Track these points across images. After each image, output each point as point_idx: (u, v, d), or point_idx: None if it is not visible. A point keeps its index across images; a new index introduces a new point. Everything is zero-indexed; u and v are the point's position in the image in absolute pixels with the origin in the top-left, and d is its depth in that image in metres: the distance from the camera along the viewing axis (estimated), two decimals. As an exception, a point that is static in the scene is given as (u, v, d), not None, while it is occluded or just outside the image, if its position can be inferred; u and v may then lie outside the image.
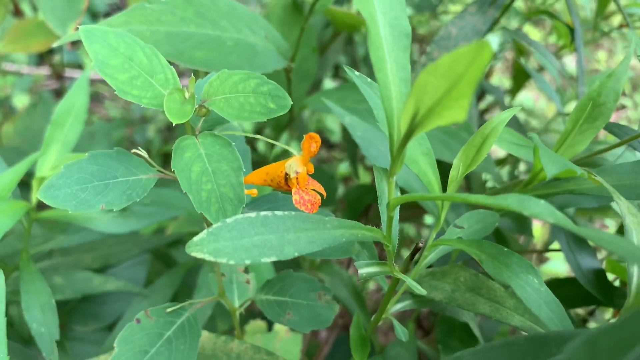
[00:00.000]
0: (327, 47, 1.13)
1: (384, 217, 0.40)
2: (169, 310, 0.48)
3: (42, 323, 0.62)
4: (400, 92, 0.34)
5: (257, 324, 0.77)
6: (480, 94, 1.20)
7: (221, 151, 0.39)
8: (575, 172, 0.41)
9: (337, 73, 1.62)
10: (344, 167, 1.71)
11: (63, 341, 0.83)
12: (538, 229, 1.22)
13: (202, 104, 0.40)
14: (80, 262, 0.84)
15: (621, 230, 0.76)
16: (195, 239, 0.33)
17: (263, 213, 0.34)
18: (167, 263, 0.95)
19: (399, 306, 0.51)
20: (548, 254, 1.36)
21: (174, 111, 0.37)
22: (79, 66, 1.82)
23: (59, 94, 1.63)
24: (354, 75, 0.42)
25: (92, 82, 1.86)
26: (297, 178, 0.38)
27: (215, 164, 0.39)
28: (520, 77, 0.99)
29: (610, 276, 0.67)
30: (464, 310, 0.47)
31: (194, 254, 0.33)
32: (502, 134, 0.55)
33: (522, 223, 0.73)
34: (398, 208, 0.43)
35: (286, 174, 0.39)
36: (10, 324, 0.77)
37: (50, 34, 0.91)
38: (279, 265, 0.76)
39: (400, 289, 0.50)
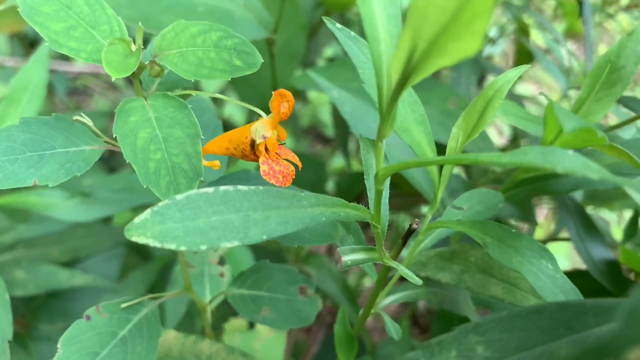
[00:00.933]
0: (317, 30, 1.06)
1: (371, 193, 0.34)
2: (123, 305, 0.42)
3: (-6, 321, 0.56)
4: (390, 33, 0.28)
5: (237, 322, 0.70)
6: (481, 77, 1.14)
7: (174, 115, 0.33)
8: (596, 134, 0.35)
9: (330, 60, 1.56)
10: (338, 162, 1.65)
11: (27, 341, 0.77)
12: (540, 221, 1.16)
13: (154, 60, 0.34)
14: (47, 256, 0.77)
15: (635, 220, 0.70)
16: (137, 219, 0.26)
17: (223, 188, 0.28)
18: (145, 256, 0.89)
19: (390, 299, 0.44)
20: (551, 249, 1.30)
21: (115, 64, 0.30)
22: (67, 58, 1.75)
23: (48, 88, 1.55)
24: (335, 28, 0.35)
25: (82, 74, 1.79)
26: (265, 144, 0.32)
27: (167, 130, 0.32)
28: (524, 58, 0.93)
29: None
30: (471, 293, 0.41)
31: (134, 239, 0.26)
32: (509, 107, 0.49)
33: (526, 209, 0.67)
34: (388, 187, 0.37)
35: (252, 140, 0.32)
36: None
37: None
38: (259, 257, 0.69)
39: (393, 279, 0.44)
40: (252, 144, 0.33)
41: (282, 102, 0.31)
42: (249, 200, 0.28)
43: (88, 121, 0.36)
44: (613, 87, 0.42)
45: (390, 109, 0.27)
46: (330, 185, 1.23)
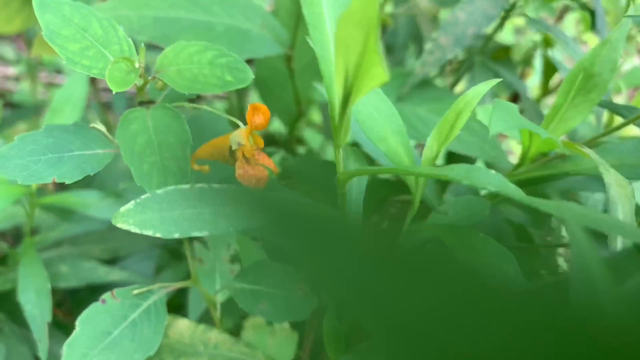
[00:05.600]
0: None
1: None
2: (135, 292, 0.47)
3: (36, 305, 0.63)
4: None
5: (257, 320, 0.75)
6: (515, 95, 1.14)
7: (170, 123, 0.38)
8: (552, 140, 0.37)
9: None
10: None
11: (70, 329, 0.85)
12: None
13: (155, 76, 0.39)
14: (89, 253, 0.84)
15: None
16: (122, 209, 0.31)
17: (198, 185, 0.33)
18: (178, 257, 0.95)
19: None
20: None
21: (117, 79, 0.35)
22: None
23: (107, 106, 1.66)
24: (307, 37, 0.39)
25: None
26: (242, 150, 0.36)
27: (162, 136, 0.37)
28: (549, 70, 0.93)
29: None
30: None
31: (119, 225, 0.31)
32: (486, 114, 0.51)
33: (535, 215, 0.67)
34: (363, 189, 0.40)
35: (230, 147, 0.37)
36: (20, 310, 0.79)
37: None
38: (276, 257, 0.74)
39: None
40: (231, 150, 0.37)
41: (255, 114, 0.35)
42: (220, 197, 0.32)
43: (102, 128, 0.41)
44: (590, 93, 0.43)
45: (341, 121, 0.31)
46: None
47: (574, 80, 0.43)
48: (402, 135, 0.41)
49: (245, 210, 0.32)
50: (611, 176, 0.36)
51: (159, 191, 0.32)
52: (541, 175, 0.48)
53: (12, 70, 1.62)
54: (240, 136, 0.36)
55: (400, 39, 1.11)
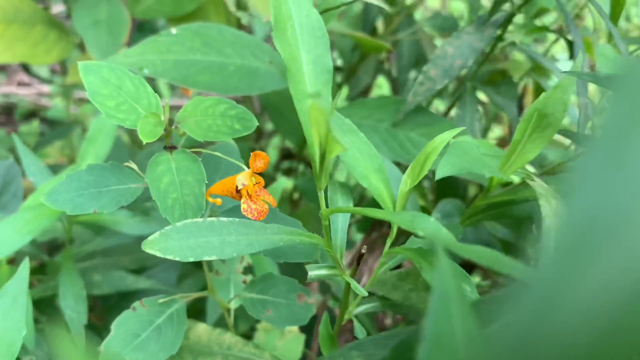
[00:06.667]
0: (357, 68, 1.19)
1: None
2: (160, 301, 0.56)
3: (74, 310, 0.72)
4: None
5: (268, 324, 0.83)
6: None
7: (189, 165, 0.46)
8: (485, 174, 0.45)
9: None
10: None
11: (102, 331, 0.94)
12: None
13: (177, 125, 0.48)
14: (119, 263, 0.94)
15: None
16: (150, 238, 0.40)
17: (210, 219, 0.41)
18: (199, 267, 1.04)
19: (361, 308, 0.55)
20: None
21: (146, 132, 0.44)
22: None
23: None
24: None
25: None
26: (246, 190, 0.45)
27: (182, 176, 0.46)
28: (540, 94, 0.99)
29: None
30: (417, 309, 0.51)
31: (147, 250, 0.40)
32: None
33: (517, 232, 0.74)
34: (347, 220, 0.48)
35: (236, 186, 0.45)
36: (59, 314, 0.88)
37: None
38: (284, 268, 0.82)
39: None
40: (237, 189, 0.45)
41: (256, 160, 0.44)
42: (227, 228, 0.41)
43: (134, 167, 0.50)
44: (545, 130, 0.50)
45: (321, 171, 0.39)
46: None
47: (529, 120, 0.50)
48: (382, 173, 0.49)
49: (245, 240, 0.40)
50: (549, 207, 0.43)
51: (179, 224, 0.40)
52: (507, 199, 0.56)
53: (46, 88, 1.74)
54: (244, 178, 0.44)
55: (404, 61, 1.18)
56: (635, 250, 0.12)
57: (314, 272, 0.47)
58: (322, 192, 0.42)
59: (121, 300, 0.96)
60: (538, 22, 1.00)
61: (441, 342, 0.21)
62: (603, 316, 0.12)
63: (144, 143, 0.44)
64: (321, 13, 0.72)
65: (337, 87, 1.21)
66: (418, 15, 1.83)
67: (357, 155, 0.48)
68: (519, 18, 0.85)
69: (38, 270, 0.92)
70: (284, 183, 0.70)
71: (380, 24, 1.20)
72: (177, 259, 0.39)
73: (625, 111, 0.13)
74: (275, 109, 0.95)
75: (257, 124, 0.48)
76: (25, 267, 0.57)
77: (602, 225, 0.12)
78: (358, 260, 0.47)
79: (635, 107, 0.12)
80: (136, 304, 0.55)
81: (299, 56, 0.40)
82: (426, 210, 0.74)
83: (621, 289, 0.12)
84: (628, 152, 0.12)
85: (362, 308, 0.55)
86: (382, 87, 1.82)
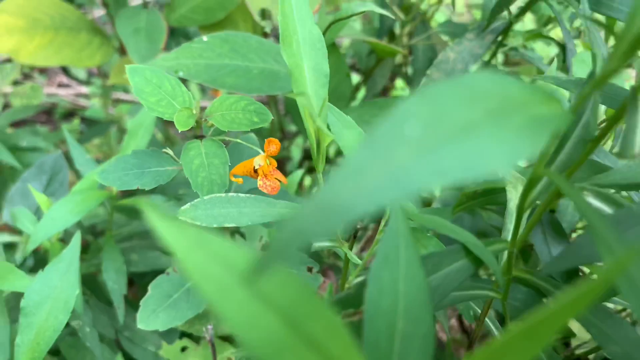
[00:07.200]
0: (372, 71, 1.28)
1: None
2: (189, 269, 0.65)
3: (115, 281, 0.83)
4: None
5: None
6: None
7: (215, 151, 0.56)
8: None
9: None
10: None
11: (137, 307, 1.05)
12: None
13: (206, 118, 0.57)
14: (154, 245, 1.05)
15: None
16: (183, 207, 0.50)
17: (230, 194, 0.50)
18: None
19: (360, 279, 0.64)
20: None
21: (181, 122, 0.54)
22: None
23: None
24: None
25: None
26: (261, 169, 0.54)
27: (210, 159, 0.55)
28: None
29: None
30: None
31: (181, 217, 0.49)
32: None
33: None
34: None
35: (254, 167, 0.54)
36: (100, 289, 0.99)
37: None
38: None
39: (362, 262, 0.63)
40: (255, 169, 0.55)
41: (270, 145, 0.53)
42: (244, 202, 0.50)
43: (170, 152, 0.60)
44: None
45: (319, 155, 0.48)
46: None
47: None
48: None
49: (258, 211, 0.50)
50: (514, 193, 0.51)
51: (205, 197, 0.49)
52: (492, 187, 0.64)
53: (84, 89, 1.87)
54: (260, 160, 0.54)
55: (419, 64, 1.26)
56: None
57: (317, 244, 0.56)
58: (321, 174, 0.51)
59: (156, 277, 1.07)
60: (543, 29, 1.08)
61: (389, 259, 0.30)
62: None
63: (179, 131, 0.54)
64: (334, 22, 0.81)
65: (355, 89, 1.30)
66: (442, 17, 1.91)
67: (352, 142, 0.57)
68: (519, 25, 0.92)
69: (82, 250, 1.03)
70: (299, 174, 0.79)
71: (398, 29, 1.28)
72: (204, 225, 0.48)
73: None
74: (298, 111, 1.05)
75: (272, 117, 0.58)
76: (77, 238, 0.68)
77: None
78: (354, 235, 0.56)
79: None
80: (169, 269, 0.65)
81: (302, 64, 0.49)
82: (425, 201, 0.82)
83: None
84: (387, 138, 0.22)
85: (360, 279, 0.64)
86: (403, 88, 1.90)
